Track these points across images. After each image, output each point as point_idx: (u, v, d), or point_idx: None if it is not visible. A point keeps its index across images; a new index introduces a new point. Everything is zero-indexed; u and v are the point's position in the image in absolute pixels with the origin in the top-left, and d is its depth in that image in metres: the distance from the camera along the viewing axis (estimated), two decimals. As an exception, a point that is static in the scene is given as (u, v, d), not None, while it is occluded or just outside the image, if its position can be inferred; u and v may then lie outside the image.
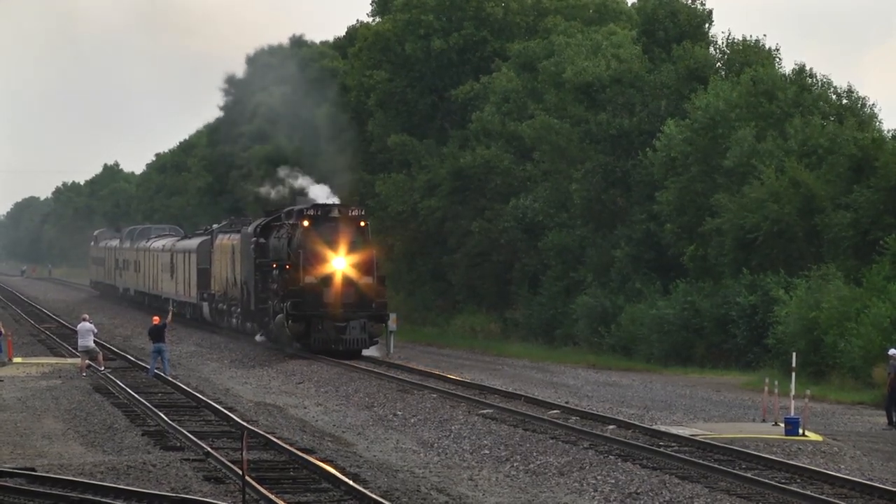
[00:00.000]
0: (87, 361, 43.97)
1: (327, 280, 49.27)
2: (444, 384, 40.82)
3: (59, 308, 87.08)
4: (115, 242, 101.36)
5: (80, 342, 44.43)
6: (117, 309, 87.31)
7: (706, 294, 52.37)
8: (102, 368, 43.62)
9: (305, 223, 49.82)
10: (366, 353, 49.91)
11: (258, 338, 55.16)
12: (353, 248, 49.49)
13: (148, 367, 43.80)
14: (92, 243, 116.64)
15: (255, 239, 54.65)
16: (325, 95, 74.34)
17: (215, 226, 68.55)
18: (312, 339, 49.30)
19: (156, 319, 44.70)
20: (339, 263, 49.36)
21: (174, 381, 40.96)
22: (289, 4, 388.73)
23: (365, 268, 49.58)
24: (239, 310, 58.58)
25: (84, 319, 45.30)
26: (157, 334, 43.34)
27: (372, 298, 49.57)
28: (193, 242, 71.44)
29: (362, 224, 50.11)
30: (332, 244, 49.41)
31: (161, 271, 79.69)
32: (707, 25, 61.06)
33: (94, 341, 45.36)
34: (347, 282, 49.30)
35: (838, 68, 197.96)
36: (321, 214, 50.23)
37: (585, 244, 61.25)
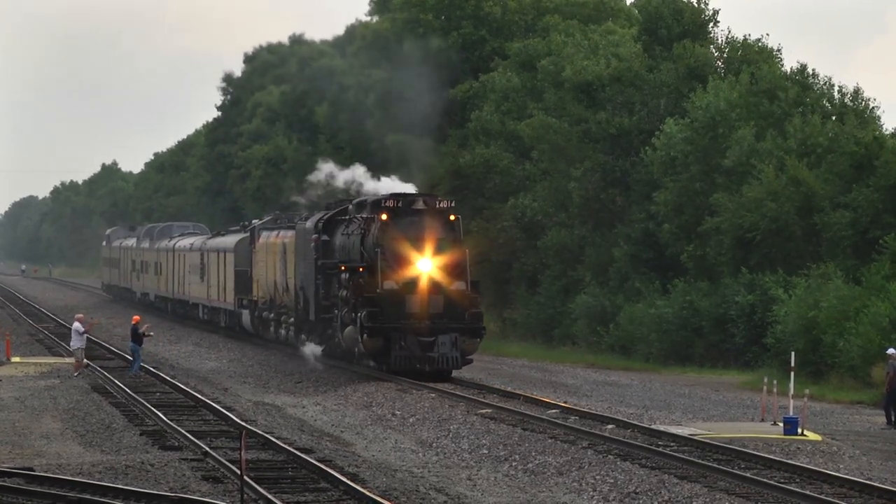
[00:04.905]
0: (85, 360, 43.90)
1: (411, 286, 41.11)
2: (442, 383, 40.72)
3: (59, 308, 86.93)
4: (131, 242, 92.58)
5: (73, 342, 44.31)
6: (116, 308, 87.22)
7: (705, 293, 52.33)
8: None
9: (384, 217, 41.40)
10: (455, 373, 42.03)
11: (318, 353, 47.00)
12: (441, 248, 41.34)
13: (142, 367, 43.85)
14: (104, 243, 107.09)
15: (316, 236, 46.11)
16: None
17: (256, 221, 60.15)
18: (392, 358, 40.94)
19: (135, 319, 44.81)
20: (426, 266, 41.20)
21: (172, 380, 40.93)
22: (288, 3, 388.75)
23: (456, 271, 41.41)
24: (292, 319, 50.17)
25: (78, 319, 45.19)
26: (134, 334, 43.41)
27: (464, 308, 41.27)
28: (230, 240, 62.86)
29: (452, 218, 41.68)
30: (417, 242, 41.21)
31: (189, 273, 71.23)
32: (711, 25, 60.95)
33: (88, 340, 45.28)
34: (435, 288, 41.15)
35: (831, 67, 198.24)
36: (403, 206, 41.73)
37: (584, 243, 61.20)
